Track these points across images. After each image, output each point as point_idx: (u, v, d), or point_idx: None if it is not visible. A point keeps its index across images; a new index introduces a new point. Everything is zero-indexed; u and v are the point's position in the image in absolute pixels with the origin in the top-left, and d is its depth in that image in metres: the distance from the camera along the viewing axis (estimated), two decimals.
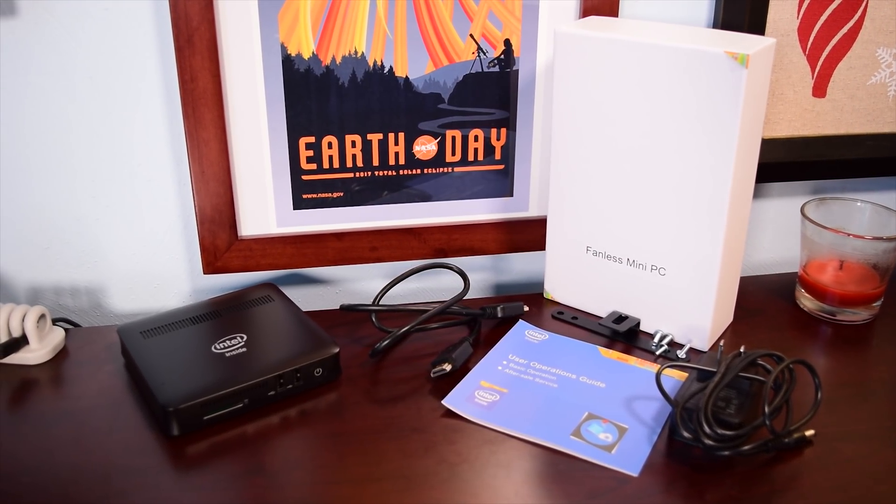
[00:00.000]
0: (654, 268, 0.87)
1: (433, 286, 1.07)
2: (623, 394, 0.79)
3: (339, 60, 0.91)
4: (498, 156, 0.97)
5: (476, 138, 0.96)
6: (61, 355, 0.87)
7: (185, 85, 0.88)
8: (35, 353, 0.85)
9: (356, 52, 0.91)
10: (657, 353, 0.86)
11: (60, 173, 0.93)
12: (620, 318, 0.90)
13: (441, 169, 0.97)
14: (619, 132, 0.84)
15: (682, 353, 0.86)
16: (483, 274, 1.06)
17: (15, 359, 0.85)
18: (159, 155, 0.94)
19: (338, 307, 1.02)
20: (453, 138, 0.96)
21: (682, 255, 0.85)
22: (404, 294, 1.06)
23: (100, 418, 0.76)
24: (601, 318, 0.92)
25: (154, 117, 0.92)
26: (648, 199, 0.85)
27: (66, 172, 0.93)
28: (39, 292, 0.98)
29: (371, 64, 0.91)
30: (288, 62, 0.90)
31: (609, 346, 0.88)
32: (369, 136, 0.94)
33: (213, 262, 0.95)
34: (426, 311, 0.89)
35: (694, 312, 0.86)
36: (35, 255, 0.97)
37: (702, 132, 0.79)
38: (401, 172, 0.96)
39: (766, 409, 0.70)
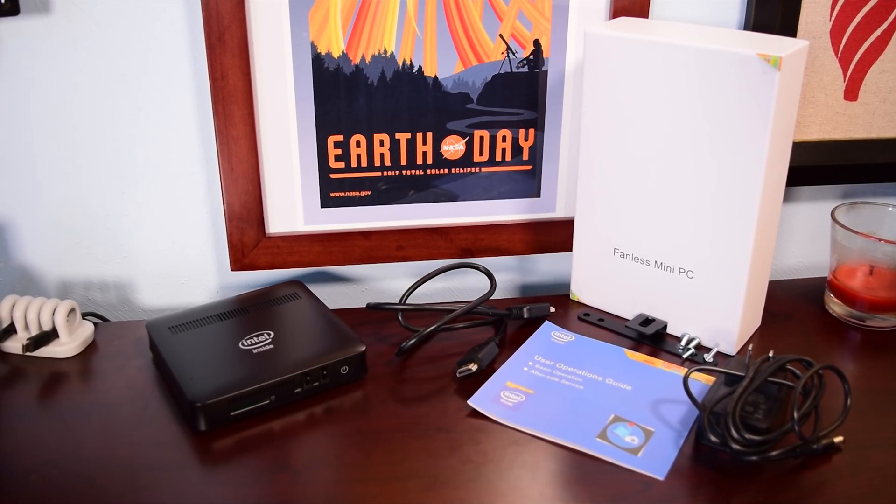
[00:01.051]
0: (681, 270, 0.87)
1: (459, 286, 1.07)
2: (649, 397, 0.79)
3: (368, 59, 0.91)
4: (525, 156, 0.97)
5: (504, 138, 0.96)
6: (90, 349, 0.87)
7: (216, 83, 0.88)
8: (64, 347, 0.86)
9: (385, 52, 0.91)
10: (684, 356, 0.86)
11: (91, 169, 0.94)
12: (647, 321, 0.90)
13: (468, 169, 0.97)
14: (648, 133, 0.84)
15: (709, 357, 0.85)
16: (509, 274, 1.06)
17: (45, 352, 0.86)
18: (189, 152, 0.95)
19: (363, 306, 1.02)
20: (481, 138, 0.95)
21: (710, 258, 0.84)
22: (430, 293, 1.06)
23: (127, 412, 0.77)
24: (628, 320, 0.92)
25: (184, 114, 0.93)
26: (677, 202, 0.84)
27: (97, 168, 0.94)
28: (69, 287, 0.99)
29: (400, 63, 0.91)
30: (318, 61, 0.90)
31: (635, 349, 0.87)
32: (397, 136, 0.94)
33: (240, 258, 0.95)
34: (452, 310, 0.89)
35: (722, 316, 0.85)
36: (65, 250, 0.97)
37: (733, 135, 0.79)
38: (428, 172, 0.96)
39: (796, 415, 0.70)
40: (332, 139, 0.93)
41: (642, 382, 0.81)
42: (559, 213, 1.00)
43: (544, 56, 0.93)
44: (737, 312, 0.85)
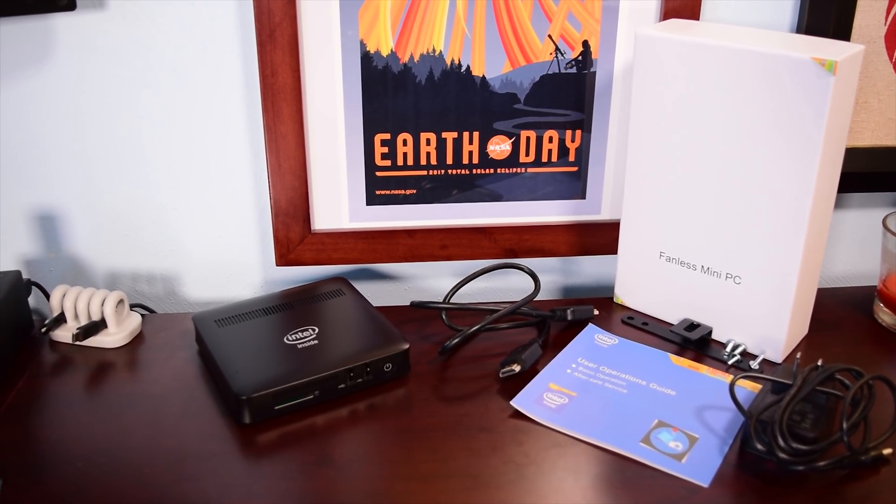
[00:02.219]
0: (728, 276, 0.86)
1: (501, 286, 1.06)
2: (694, 402, 0.79)
3: (416, 58, 0.91)
4: (572, 157, 0.97)
5: (550, 139, 0.96)
6: (137, 340, 0.88)
7: (266, 79, 0.89)
8: (113, 337, 0.87)
9: (434, 51, 0.91)
10: (729, 362, 0.85)
11: (140, 163, 0.95)
12: (692, 326, 0.89)
13: (514, 169, 0.96)
14: (697, 137, 0.83)
15: (754, 364, 0.84)
16: (552, 276, 1.06)
17: (93, 342, 0.87)
18: (237, 147, 0.95)
19: (407, 304, 1.02)
20: (528, 139, 0.95)
21: (758, 264, 0.84)
22: (473, 293, 1.06)
23: (174, 403, 0.78)
24: (672, 324, 0.92)
25: (234, 111, 0.94)
26: (726, 206, 0.84)
27: (146, 162, 0.95)
28: (117, 278, 1.00)
29: (448, 63, 0.91)
30: (366, 59, 0.90)
31: (680, 354, 0.87)
32: (444, 135, 0.94)
33: (285, 254, 0.96)
34: (496, 310, 0.89)
35: (769, 323, 0.85)
36: (114, 242, 0.98)
37: (784, 140, 0.78)
38: (473, 172, 0.96)
39: (845, 425, 0.69)
40: (379, 137, 0.93)
41: (687, 388, 0.81)
42: (604, 216, 1.00)
43: (593, 57, 0.93)
44: (784, 320, 0.84)
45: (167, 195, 0.97)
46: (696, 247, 0.87)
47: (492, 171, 0.96)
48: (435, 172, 0.96)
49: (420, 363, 0.84)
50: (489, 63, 0.92)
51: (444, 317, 0.89)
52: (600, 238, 0.99)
